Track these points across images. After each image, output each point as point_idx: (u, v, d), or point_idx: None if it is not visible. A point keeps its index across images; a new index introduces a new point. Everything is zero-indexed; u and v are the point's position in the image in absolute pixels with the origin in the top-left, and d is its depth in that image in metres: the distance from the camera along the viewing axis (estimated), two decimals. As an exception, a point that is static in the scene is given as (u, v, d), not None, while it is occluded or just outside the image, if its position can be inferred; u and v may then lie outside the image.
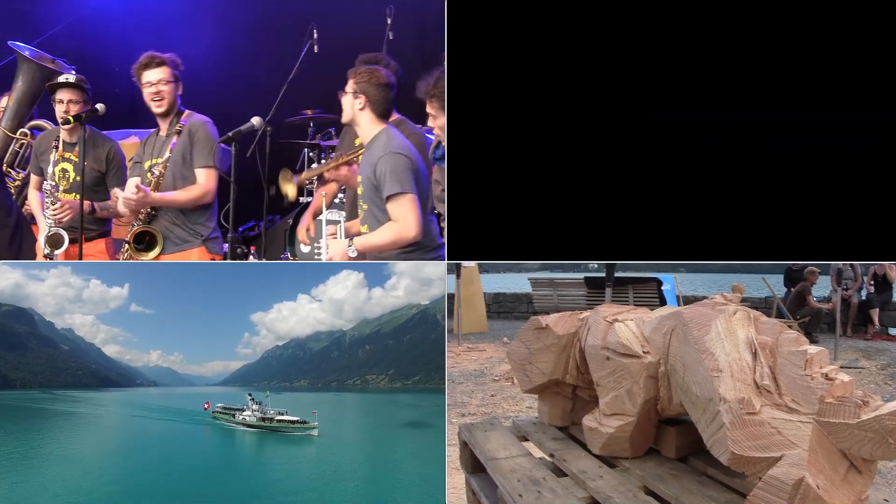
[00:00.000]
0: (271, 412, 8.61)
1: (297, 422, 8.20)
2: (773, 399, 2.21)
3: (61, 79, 5.07)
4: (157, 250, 4.74)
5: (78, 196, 4.86)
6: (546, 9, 3.65)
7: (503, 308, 15.08)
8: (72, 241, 4.85)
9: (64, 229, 4.84)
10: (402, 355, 21.27)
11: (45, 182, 4.93)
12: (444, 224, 4.28)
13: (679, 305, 10.53)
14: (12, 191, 5.54)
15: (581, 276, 13.16)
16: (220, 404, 9.98)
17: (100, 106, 4.75)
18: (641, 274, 14.86)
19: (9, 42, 5.72)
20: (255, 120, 4.65)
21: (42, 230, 4.92)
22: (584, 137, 3.67)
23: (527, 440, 3.23)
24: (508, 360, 3.44)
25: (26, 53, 5.62)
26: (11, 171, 5.65)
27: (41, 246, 4.92)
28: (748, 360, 2.28)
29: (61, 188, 4.99)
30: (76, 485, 5.20)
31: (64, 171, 5.06)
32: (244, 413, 8.96)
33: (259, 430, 8.49)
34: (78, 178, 4.93)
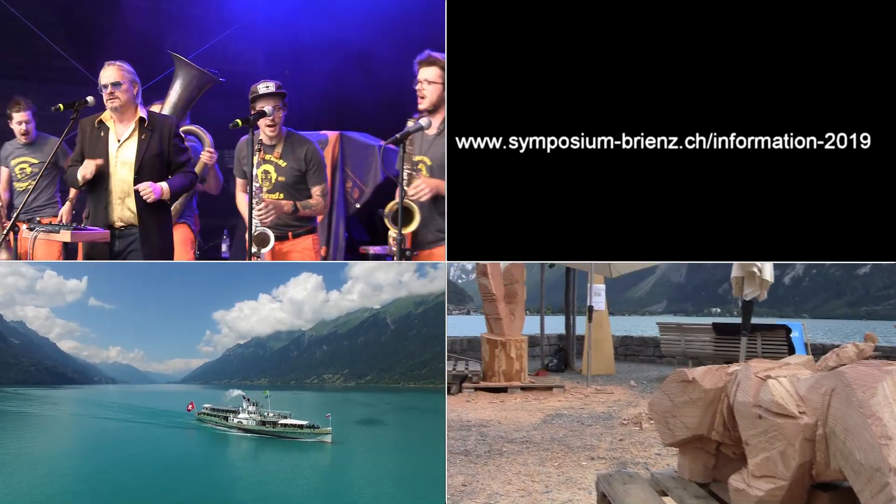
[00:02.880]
0: (272, 414, 7.49)
1: (307, 426, 7.06)
2: (951, 472, 1.93)
3: (261, 88, 4.98)
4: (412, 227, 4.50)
5: (281, 195, 4.95)
6: (546, 9, 3.48)
7: (630, 351, 14.71)
8: (278, 239, 4.87)
9: (270, 228, 4.77)
10: (356, 356, 21.17)
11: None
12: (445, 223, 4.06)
13: (808, 353, 9.96)
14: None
15: (709, 320, 12.60)
16: (207, 405, 8.66)
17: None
18: (769, 320, 14.19)
19: (168, 51, 5.88)
20: (424, 121, 4.46)
21: (251, 229, 4.83)
22: (586, 134, 3.46)
23: (666, 495, 2.99)
24: (650, 411, 3.21)
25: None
26: None
27: (248, 245, 4.82)
28: (920, 428, 2.01)
29: (264, 189, 4.95)
30: (39, 493, 4.64)
31: (266, 172, 5.04)
32: (240, 416, 7.77)
33: (259, 435, 7.37)
34: (280, 179, 4.97)
